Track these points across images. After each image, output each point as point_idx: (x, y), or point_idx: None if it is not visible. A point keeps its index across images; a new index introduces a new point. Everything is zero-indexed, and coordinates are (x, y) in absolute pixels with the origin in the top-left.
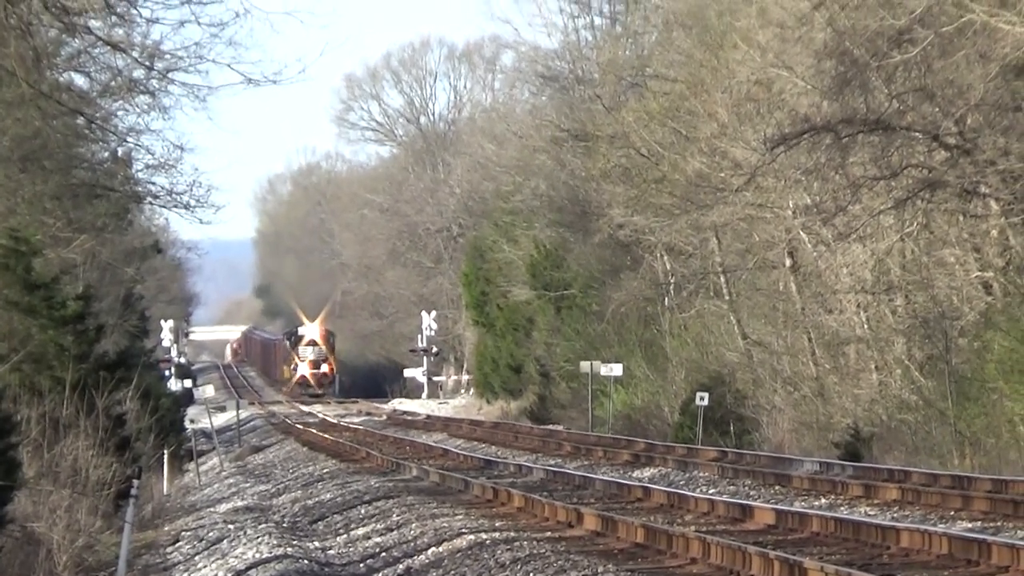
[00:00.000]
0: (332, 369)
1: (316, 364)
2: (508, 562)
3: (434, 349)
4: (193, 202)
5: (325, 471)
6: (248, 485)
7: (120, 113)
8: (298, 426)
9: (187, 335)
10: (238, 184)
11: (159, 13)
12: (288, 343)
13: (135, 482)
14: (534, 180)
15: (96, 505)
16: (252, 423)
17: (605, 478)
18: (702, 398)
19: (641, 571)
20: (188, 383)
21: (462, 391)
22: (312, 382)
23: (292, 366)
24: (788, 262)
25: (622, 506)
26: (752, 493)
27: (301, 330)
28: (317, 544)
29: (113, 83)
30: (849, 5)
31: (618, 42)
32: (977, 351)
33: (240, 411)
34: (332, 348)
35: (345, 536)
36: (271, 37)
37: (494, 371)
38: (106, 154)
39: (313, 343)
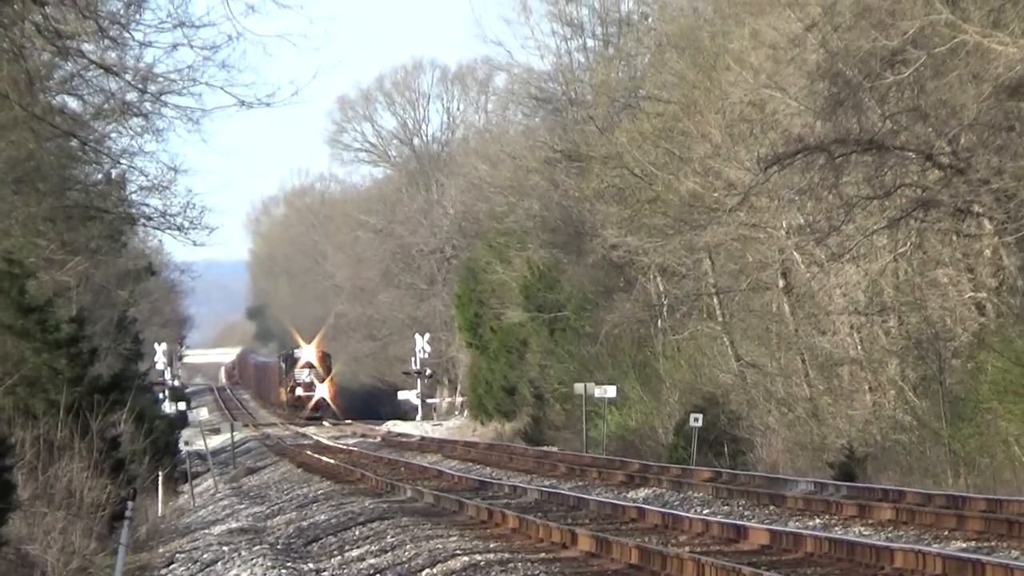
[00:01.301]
0: (330, 392)
1: (313, 387)
2: None
3: (428, 371)
4: (187, 224)
5: (320, 492)
6: (243, 507)
7: (113, 135)
8: (292, 448)
9: (181, 358)
10: (231, 206)
11: (152, 36)
12: (284, 365)
13: (129, 504)
14: (527, 201)
15: (91, 527)
16: (246, 445)
17: (599, 499)
18: (696, 419)
19: None
20: (182, 406)
21: (456, 413)
22: (309, 405)
23: (288, 388)
24: (781, 283)
25: (616, 527)
26: (746, 513)
27: (297, 352)
28: (312, 566)
29: (106, 106)
30: (842, 26)
31: (611, 64)
32: (971, 372)
33: (234, 433)
34: (329, 370)
35: (340, 558)
36: (264, 60)
37: (488, 393)
38: (99, 176)
39: (310, 365)
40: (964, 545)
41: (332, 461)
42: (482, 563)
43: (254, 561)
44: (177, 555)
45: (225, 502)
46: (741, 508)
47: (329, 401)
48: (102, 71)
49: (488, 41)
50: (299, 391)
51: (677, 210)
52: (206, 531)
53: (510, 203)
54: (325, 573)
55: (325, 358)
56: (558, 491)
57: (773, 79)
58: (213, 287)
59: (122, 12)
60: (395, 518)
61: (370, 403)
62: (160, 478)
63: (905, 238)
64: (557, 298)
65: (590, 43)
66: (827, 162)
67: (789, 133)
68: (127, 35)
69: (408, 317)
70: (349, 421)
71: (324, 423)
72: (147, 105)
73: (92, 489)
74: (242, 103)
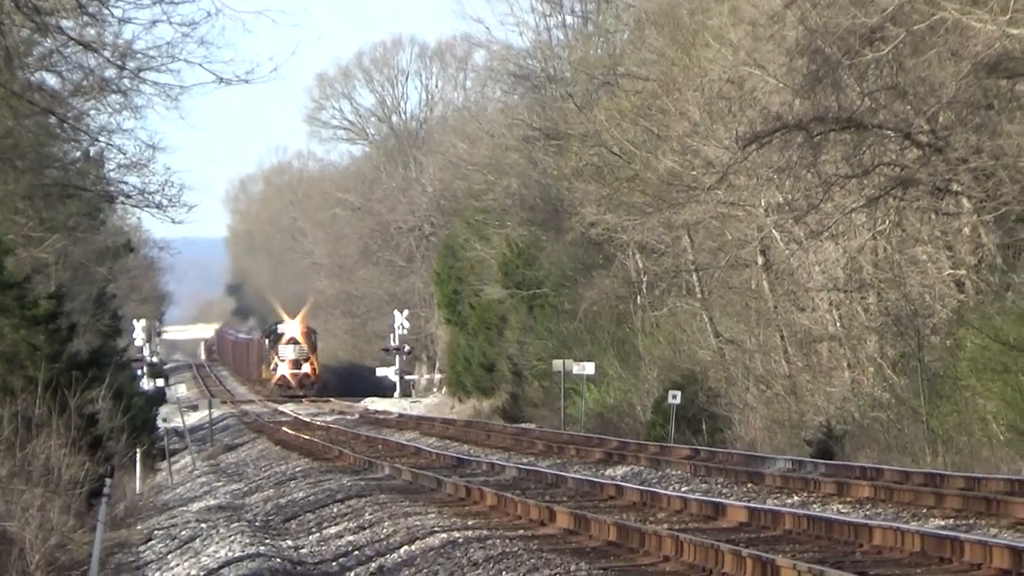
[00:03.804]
0: (314, 369)
1: (297, 364)
2: (480, 560)
3: (406, 348)
4: (165, 201)
5: (298, 470)
6: (220, 484)
7: (92, 112)
8: (270, 425)
9: (159, 334)
10: (210, 183)
11: (131, 13)
12: (267, 341)
13: (107, 481)
14: (506, 179)
15: (69, 504)
16: (224, 422)
17: (578, 476)
18: (674, 396)
19: (614, 569)
20: (160, 382)
21: (434, 390)
22: (293, 383)
23: (271, 366)
24: (760, 260)
25: (595, 504)
26: (725, 491)
27: (281, 327)
28: (290, 543)
29: (85, 83)
30: (821, 3)
31: (590, 41)
32: (949, 349)
33: (212, 410)
34: (314, 347)
35: (317, 535)
36: (243, 36)
37: (466, 370)
38: (78, 153)
39: (294, 341)
40: (942, 523)
41: (310, 438)
42: (460, 540)
43: (232, 538)
44: (155, 532)
45: (203, 479)
46: (719, 486)
47: (314, 379)
48: (81, 48)
49: (467, 18)
50: (283, 368)
51: (656, 188)
52: (184, 508)
53: (488, 181)
54: (303, 550)
55: (310, 334)
56: (536, 468)
57: (752, 56)
58: (191, 264)
59: None
60: (373, 495)
61: (348, 380)
62: (138, 455)
63: (884, 216)
64: (536, 275)
65: (569, 20)
66: (806, 140)
67: (768, 111)
68: (106, 11)
69: (387, 294)
70: (327, 398)
71: (302, 400)
72: (126, 82)
73: (70, 466)
74: (221, 80)
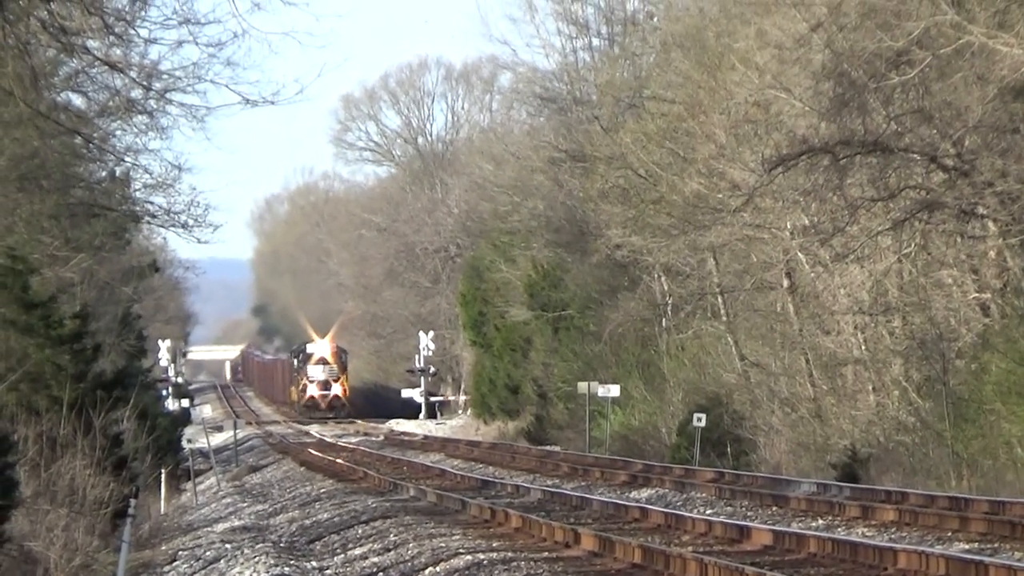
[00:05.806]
0: (345, 390)
1: (327, 385)
2: None
3: (432, 369)
4: (191, 221)
5: (322, 491)
6: (245, 505)
7: (118, 133)
8: (295, 446)
9: (184, 355)
10: (236, 204)
11: (157, 33)
12: (296, 361)
13: (132, 501)
14: (532, 200)
15: (93, 524)
16: (249, 443)
17: (602, 499)
18: (699, 419)
19: None
20: (185, 403)
21: (459, 411)
22: (323, 404)
23: (300, 387)
24: (786, 283)
25: (619, 526)
26: (749, 514)
27: (310, 347)
28: (314, 564)
29: (111, 103)
30: (847, 27)
31: (616, 63)
32: (975, 373)
33: (237, 431)
34: (344, 367)
35: (342, 556)
36: (269, 58)
37: (491, 391)
38: (104, 173)
39: (324, 361)
40: (967, 546)
41: (335, 459)
42: (485, 562)
43: (257, 559)
44: (180, 553)
45: (228, 500)
46: (744, 508)
47: (345, 400)
48: (107, 68)
49: (493, 40)
50: (312, 389)
51: (681, 210)
52: (209, 529)
53: (514, 202)
54: (328, 571)
55: (340, 354)
56: (561, 491)
57: (778, 79)
58: (217, 285)
59: (127, 8)
60: (398, 517)
61: (373, 401)
62: (163, 476)
63: (909, 239)
64: (561, 297)
65: (595, 42)
66: (832, 163)
67: (794, 134)
68: (132, 32)
69: (412, 315)
70: (352, 419)
71: (326, 421)
72: (152, 103)
73: (95, 486)
74: (247, 101)
